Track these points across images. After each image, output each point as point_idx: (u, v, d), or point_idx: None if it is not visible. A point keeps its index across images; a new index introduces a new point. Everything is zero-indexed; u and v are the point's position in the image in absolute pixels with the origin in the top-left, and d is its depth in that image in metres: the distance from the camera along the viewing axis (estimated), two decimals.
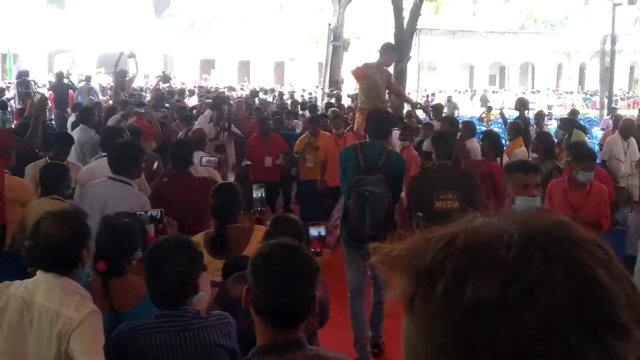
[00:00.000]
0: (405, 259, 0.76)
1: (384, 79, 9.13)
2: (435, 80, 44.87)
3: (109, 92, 20.99)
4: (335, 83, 24.08)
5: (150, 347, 2.86)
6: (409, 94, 21.53)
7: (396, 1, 18.25)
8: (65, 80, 17.74)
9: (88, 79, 20.20)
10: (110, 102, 15.24)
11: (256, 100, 19.17)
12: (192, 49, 46.37)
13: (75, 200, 5.79)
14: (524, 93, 34.28)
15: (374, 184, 5.34)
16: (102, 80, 27.08)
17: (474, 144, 9.24)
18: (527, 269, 0.68)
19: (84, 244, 3.09)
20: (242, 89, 27.84)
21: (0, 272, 4.27)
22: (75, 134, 8.55)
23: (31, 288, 2.96)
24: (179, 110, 11.50)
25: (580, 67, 50.53)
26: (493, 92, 39.85)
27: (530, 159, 8.35)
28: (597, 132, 17.19)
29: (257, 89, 26.46)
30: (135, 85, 21.86)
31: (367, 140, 5.94)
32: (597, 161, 7.87)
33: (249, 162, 9.70)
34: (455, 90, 37.08)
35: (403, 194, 5.90)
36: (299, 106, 17.24)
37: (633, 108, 30.85)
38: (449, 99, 26.15)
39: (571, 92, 41.26)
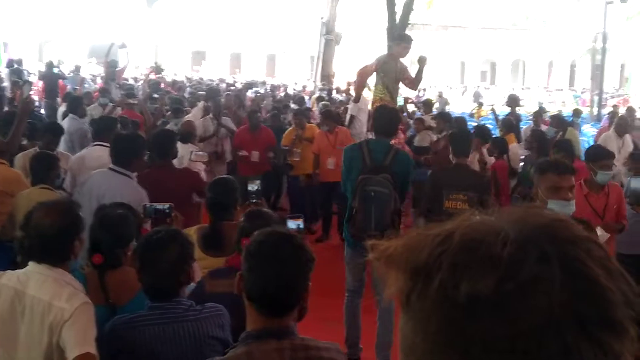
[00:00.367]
0: (402, 255, 0.76)
1: (398, 70, 8.97)
2: (426, 75, 44.86)
3: (99, 82, 20.86)
4: (327, 77, 24.07)
5: (144, 339, 2.85)
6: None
7: None
8: (56, 70, 17.64)
9: (77, 68, 20.12)
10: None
11: (249, 92, 19.05)
12: (183, 41, 46.17)
13: (66, 189, 5.76)
14: (513, 90, 34.34)
15: (379, 183, 5.21)
16: (93, 70, 26.96)
17: None
18: (523, 266, 0.68)
19: (77, 235, 3.07)
20: (234, 81, 27.63)
21: None
22: (65, 123, 8.51)
23: (23, 279, 2.95)
24: (173, 101, 11.47)
25: (571, 65, 50.67)
26: (485, 88, 39.91)
27: (522, 156, 8.38)
28: (588, 129, 17.26)
29: (248, 82, 26.33)
30: (126, 75, 21.79)
31: (373, 137, 5.80)
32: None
33: (245, 154, 9.49)
34: (447, 86, 37.07)
35: None
36: (290, 100, 17.19)
37: (623, 106, 30.95)
38: (440, 95, 26.18)
39: (561, 90, 41.36)
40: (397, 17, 18.15)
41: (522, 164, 8.56)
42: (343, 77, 24.88)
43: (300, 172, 9.67)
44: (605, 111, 22.60)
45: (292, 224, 4.12)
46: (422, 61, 9.25)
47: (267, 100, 16.32)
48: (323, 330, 2.26)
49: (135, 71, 28.43)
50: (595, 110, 21.73)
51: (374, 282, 5.46)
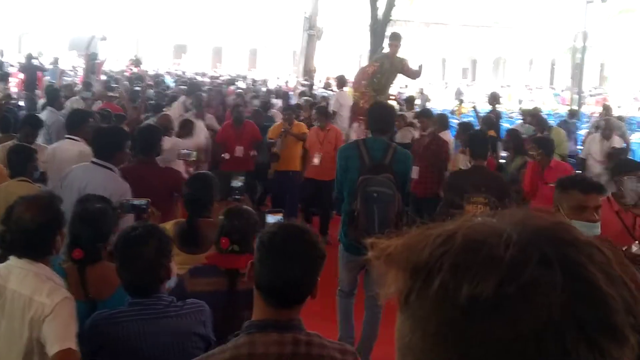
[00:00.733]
0: (402, 254, 0.76)
1: (395, 67, 9.14)
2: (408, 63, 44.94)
3: (80, 75, 20.70)
4: (308, 72, 24.06)
5: (125, 335, 2.84)
6: None
7: None
8: (35, 62, 17.48)
9: (56, 61, 19.95)
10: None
11: (234, 87, 18.92)
12: (164, 34, 45.91)
13: (47, 183, 5.70)
14: (494, 87, 34.55)
15: (382, 184, 5.04)
16: (73, 62, 26.73)
17: (448, 137, 9.35)
18: (525, 269, 0.68)
19: (58, 229, 3.06)
20: (215, 77, 27.40)
21: None
22: (43, 116, 8.43)
23: (4, 273, 2.93)
24: (157, 96, 11.38)
25: (551, 63, 51.06)
26: (467, 85, 40.09)
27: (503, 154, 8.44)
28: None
29: (231, 77, 26.14)
30: (106, 68, 21.63)
31: (370, 136, 5.60)
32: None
33: (227, 156, 9.34)
34: (428, 82, 37.18)
35: None
36: (272, 95, 17.10)
37: (601, 104, 31.24)
38: (421, 91, 26.25)
39: (541, 88, 41.67)
40: (379, 13, 18.16)
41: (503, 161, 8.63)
42: (324, 72, 24.91)
43: (282, 167, 9.52)
44: (584, 110, 22.82)
45: (271, 219, 4.11)
46: (420, 67, 10.07)
47: (248, 95, 16.17)
48: (313, 328, 2.27)
49: (115, 64, 28.22)
50: (574, 109, 21.88)
51: (366, 281, 5.40)
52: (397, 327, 0.76)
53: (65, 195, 4.07)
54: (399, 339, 0.76)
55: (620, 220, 4.87)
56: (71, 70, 23.99)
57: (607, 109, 14.21)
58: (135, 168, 5.53)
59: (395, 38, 9.51)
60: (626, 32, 42.23)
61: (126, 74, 20.70)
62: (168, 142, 6.72)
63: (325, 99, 14.62)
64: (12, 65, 21.13)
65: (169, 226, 4.15)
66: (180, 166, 7.05)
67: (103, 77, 19.42)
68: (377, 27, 17.76)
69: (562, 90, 37.87)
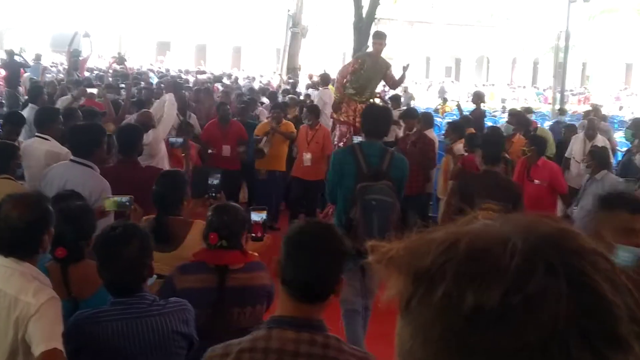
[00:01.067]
0: (404, 259, 0.75)
1: (379, 68, 8.66)
2: (392, 69, 45.07)
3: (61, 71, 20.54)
4: (292, 70, 24.03)
5: (107, 335, 2.82)
6: None
7: None
8: (18, 58, 17.30)
9: (38, 57, 19.78)
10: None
11: (219, 85, 18.81)
12: (148, 31, 45.68)
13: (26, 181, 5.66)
14: (477, 86, 34.72)
15: (381, 191, 4.89)
16: (55, 58, 26.53)
17: (432, 135, 9.37)
18: (530, 279, 0.67)
19: (46, 229, 3.02)
20: (201, 72, 27.26)
21: None
22: (25, 113, 8.35)
23: None
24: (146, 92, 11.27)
25: (534, 62, 51.37)
26: (451, 81, 40.27)
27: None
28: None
29: (212, 74, 25.98)
30: (90, 65, 21.47)
31: (365, 140, 5.38)
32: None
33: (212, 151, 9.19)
34: (412, 81, 37.28)
35: None
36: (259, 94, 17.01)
37: (584, 104, 31.48)
38: (406, 90, 26.29)
39: (524, 87, 41.92)
40: (364, 12, 18.18)
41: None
42: (309, 70, 24.90)
43: (269, 167, 9.40)
44: (567, 108, 22.95)
45: (255, 216, 4.11)
46: (405, 68, 9.77)
47: (233, 93, 16.06)
48: None
49: (98, 61, 28.03)
50: (557, 108, 22.03)
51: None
52: (397, 332, 0.76)
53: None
54: (399, 345, 0.75)
55: None
56: (53, 66, 23.80)
57: (595, 110, 13.77)
58: (116, 168, 5.50)
59: (379, 36, 9.24)
60: (608, 32, 42.60)
61: (111, 71, 20.54)
62: (150, 135, 6.67)
63: (308, 96, 14.60)
64: None
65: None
66: (165, 162, 7.03)
67: (87, 74, 19.29)
68: (362, 26, 17.75)
69: (545, 90, 38.11)
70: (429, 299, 0.70)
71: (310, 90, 16.66)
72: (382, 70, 8.45)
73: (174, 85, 11.66)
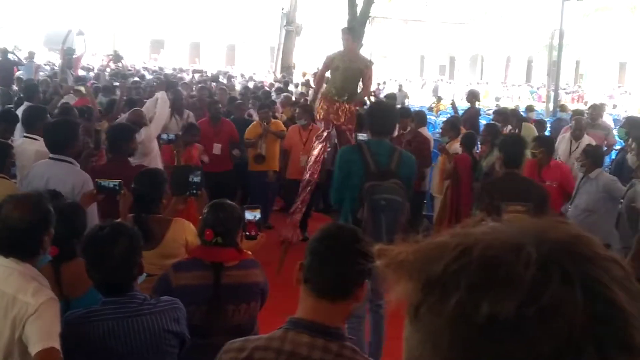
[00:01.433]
0: (414, 264, 0.73)
1: (356, 67, 7.96)
2: (386, 68, 45.15)
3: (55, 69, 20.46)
4: (287, 68, 24.02)
5: (98, 334, 2.82)
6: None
7: None
8: (11, 56, 17.25)
9: (31, 55, 19.72)
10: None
11: (214, 84, 18.74)
12: (141, 28, 45.58)
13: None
14: (471, 84, 34.78)
15: (390, 191, 4.76)
16: (50, 57, 26.41)
17: (425, 133, 9.40)
18: (546, 289, 0.66)
19: (46, 229, 3.02)
20: (197, 71, 27.08)
21: None
22: (20, 111, 8.31)
23: None
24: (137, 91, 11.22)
25: (528, 60, 51.46)
26: (446, 82, 40.30)
27: (479, 150, 8.49)
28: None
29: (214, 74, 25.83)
30: (85, 63, 21.40)
31: (371, 138, 5.23)
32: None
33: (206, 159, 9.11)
34: (406, 79, 37.32)
35: None
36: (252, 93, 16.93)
37: (578, 102, 31.56)
38: (400, 88, 26.33)
39: (520, 85, 42.00)
40: (358, 10, 18.18)
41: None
42: (303, 69, 24.89)
43: (262, 167, 9.32)
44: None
45: (249, 215, 4.12)
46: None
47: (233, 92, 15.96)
48: None
49: (92, 59, 27.95)
50: (551, 106, 22.06)
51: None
52: (406, 337, 0.75)
53: None
54: (408, 351, 0.74)
55: None
56: (47, 65, 23.72)
57: (598, 109, 13.03)
58: (106, 166, 5.52)
59: (344, 32, 8.55)
60: (602, 30, 42.68)
61: (109, 69, 20.50)
62: (142, 134, 6.65)
63: (303, 95, 14.58)
64: None
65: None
66: (158, 160, 7.01)
67: (84, 73, 19.23)
68: (356, 24, 17.73)
69: (539, 88, 38.18)
70: (441, 307, 0.69)
71: (303, 89, 16.64)
72: (359, 68, 7.94)
73: (167, 83, 11.62)
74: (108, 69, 20.32)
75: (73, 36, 18.92)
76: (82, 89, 10.42)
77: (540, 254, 0.68)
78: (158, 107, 7.64)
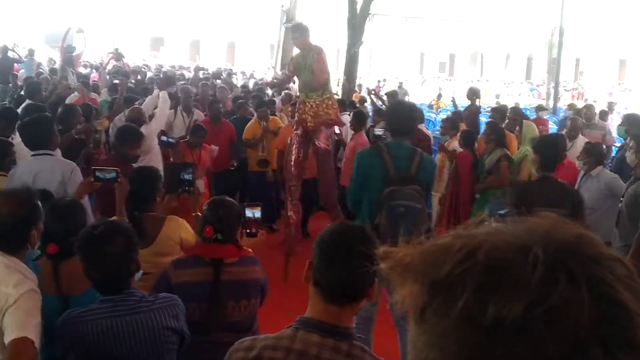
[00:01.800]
0: (419, 266, 0.73)
1: (306, 58, 7.45)
2: (386, 65, 45.10)
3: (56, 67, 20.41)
4: (287, 65, 23.96)
5: (96, 333, 2.82)
6: (360, 78, 21.59)
7: None
8: (11, 54, 17.23)
9: (31, 52, 19.70)
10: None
11: (218, 81, 18.68)
12: (141, 26, 45.53)
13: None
14: (472, 81, 34.72)
15: (410, 197, 4.62)
16: (52, 55, 26.36)
17: (424, 129, 9.43)
18: (553, 291, 0.66)
19: (34, 224, 3.03)
20: (200, 68, 26.93)
21: None
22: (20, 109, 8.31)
23: None
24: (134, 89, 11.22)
25: (528, 58, 51.41)
26: (446, 79, 40.25)
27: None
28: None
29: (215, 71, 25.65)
30: (89, 61, 21.35)
31: (391, 139, 5.03)
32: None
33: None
34: (405, 80, 37.26)
35: None
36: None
37: (578, 99, 31.52)
38: (400, 85, 26.29)
39: (521, 82, 41.94)
40: (358, 7, 18.13)
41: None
42: None
43: (264, 167, 9.34)
44: (561, 104, 22.99)
45: (249, 213, 4.13)
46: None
47: (235, 90, 15.87)
48: None
49: (91, 56, 27.90)
50: (551, 104, 22.05)
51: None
52: (411, 339, 0.75)
53: None
54: (414, 353, 0.74)
55: None
56: (47, 63, 23.67)
57: (593, 109, 12.30)
58: (105, 162, 5.56)
59: (291, 31, 7.97)
60: (601, 27, 42.64)
61: (109, 67, 20.41)
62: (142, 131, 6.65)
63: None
64: None
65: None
66: (158, 158, 7.00)
67: (82, 70, 19.19)
68: (356, 21, 17.68)
69: (539, 85, 38.13)
70: (447, 309, 0.69)
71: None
72: (309, 57, 7.36)
73: (167, 81, 11.61)
74: (109, 67, 20.23)
75: (73, 34, 18.88)
76: (76, 86, 10.43)
77: (547, 255, 0.68)
78: (159, 105, 7.64)
